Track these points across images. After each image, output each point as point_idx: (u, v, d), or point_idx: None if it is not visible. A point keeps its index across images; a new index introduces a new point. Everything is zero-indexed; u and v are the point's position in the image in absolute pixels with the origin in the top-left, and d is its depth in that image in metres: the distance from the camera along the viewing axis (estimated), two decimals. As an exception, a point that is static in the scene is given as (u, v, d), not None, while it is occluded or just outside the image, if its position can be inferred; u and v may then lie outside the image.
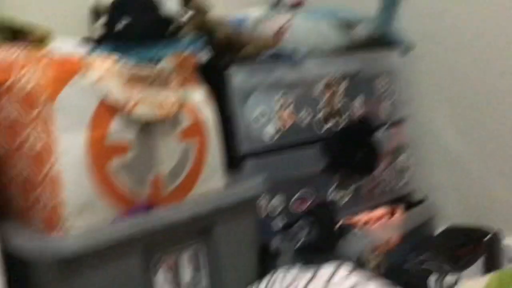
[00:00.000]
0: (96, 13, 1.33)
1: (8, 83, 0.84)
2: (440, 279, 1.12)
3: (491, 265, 1.21)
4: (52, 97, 0.81)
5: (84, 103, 0.83)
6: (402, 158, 1.44)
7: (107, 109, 0.85)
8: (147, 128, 0.90)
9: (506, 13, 1.28)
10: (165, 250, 0.92)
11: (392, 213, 1.31)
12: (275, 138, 1.16)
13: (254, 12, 1.43)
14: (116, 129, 0.86)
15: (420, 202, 1.44)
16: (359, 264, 1.13)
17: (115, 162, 0.85)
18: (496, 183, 1.36)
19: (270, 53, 1.20)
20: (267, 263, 1.06)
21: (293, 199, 1.19)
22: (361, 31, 1.37)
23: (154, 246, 0.89)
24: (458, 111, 1.41)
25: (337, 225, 1.16)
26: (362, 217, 1.26)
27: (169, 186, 0.93)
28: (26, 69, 0.85)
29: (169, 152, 0.93)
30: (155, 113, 0.88)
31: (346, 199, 1.29)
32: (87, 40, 1.20)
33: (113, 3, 1.19)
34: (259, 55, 1.20)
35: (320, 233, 1.12)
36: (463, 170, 1.42)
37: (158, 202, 0.91)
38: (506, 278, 1.00)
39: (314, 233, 1.13)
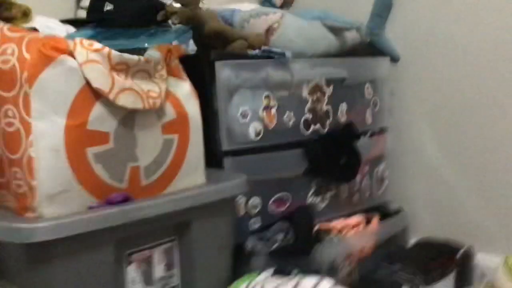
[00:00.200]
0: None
1: (-14, 59, 0.80)
2: (411, 291, 1.13)
3: (462, 281, 1.22)
4: (32, 78, 0.77)
5: (66, 87, 0.80)
6: (381, 167, 1.45)
7: (90, 95, 0.82)
8: (130, 118, 0.87)
9: (490, 29, 1.30)
10: (139, 244, 0.90)
11: (367, 222, 1.31)
12: (258, 137, 1.14)
13: (245, 7, 1.41)
14: (97, 116, 0.82)
15: (395, 212, 1.45)
16: (332, 271, 1.13)
17: (95, 150, 0.82)
18: (471, 199, 1.38)
19: (259, 51, 1.19)
20: (241, 263, 1.05)
21: (271, 201, 1.18)
22: (351, 37, 1.36)
23: (127, 239, 0.87)
24: (439, 124, 1.42)
25: (314, 230, 1.15)
26: (338, 223, 1.26)
27: (148, 178, 0.91)
28: (7, 45, 0.81)
29: (150, 144, 0.90)
30: (139, 103, 0.86)
31: (324, 204, 1.28)
32: (70, 21, 1.16)
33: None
34: (247, 52, 1.18)
35: (296, 237, 1.11)
36: (440, 183, 1.43)
37: (135, 194, 0.88)
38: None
39: (290, 236, 1.11)
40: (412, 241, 1.43)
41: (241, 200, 1.12)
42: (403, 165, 1.50)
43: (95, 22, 1.09)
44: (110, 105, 0.84)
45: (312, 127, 1.24)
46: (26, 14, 1.07)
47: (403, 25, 1.44)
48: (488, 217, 1.35)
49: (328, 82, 1.27)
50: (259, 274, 0.97)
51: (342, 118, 1.30)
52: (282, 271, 0.96)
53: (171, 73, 0.96)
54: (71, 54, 0.81)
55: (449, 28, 1.37)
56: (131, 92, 0.86)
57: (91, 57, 0.82)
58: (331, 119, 1.27)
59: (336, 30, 1.32)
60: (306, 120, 1.23)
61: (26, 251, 0.78)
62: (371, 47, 1.45)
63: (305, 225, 1.14)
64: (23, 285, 0.82)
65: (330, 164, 1.24)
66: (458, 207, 1.40)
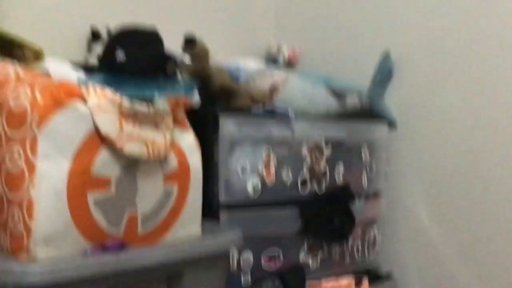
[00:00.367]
0: (94, 37, 1.33)
1: (-1, 98, 0.82)
2: None
3: None
4: (42, 121, 0.79)
5: (74, 131, 0.81)
6: (373, 231, 1.45)
7: (96, 141, 0.83)
8: (133, 165, 0.88)
9: (484, 100, 1.34)
10: (130, 293, 0.89)
11: (357, 284, 1.30)
12: (256, 193, 1.15)
13: (251, 64, 1.45)
14: (102, 162, 0.83)
15: (385, 277, 1.44)
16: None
17: (95, 195, 0.83)
18: (462, 270, 1.38)
19: (262, 108, 1.22)
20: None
21: (263, 257, 1.17)
22: (351, 101, 1.40)
23: (120, 287, 0.85)
24: (432, 193, 1.44)
25: (304, 290, 1.15)
26: (329, 283, 1.25)
27: (145, 227, 0.91)
28: (20, 87, 0.83)
29: (150, 192, 0.91)
30: (145, 152, 0.87)
31: (316, 263, 1.28)
32: (81, 65, 1.19)
33: (111, 35, 1.19)
34: (251, 108, 1.21)
35: (287, 296, 1.11)
36: (431, 252, 1.44)
37: (131, 242, 0.88)
38: None
39: (281, 295, 1.11)
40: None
41: (234, 254, 1.11)
42: (395, 230, 1.51)
43: (106, 68, 1.12)
44: (115, 151, 0.85)
45: (309, 186, 1.25)
46: (38, 55, 1.09)
47: (401, 94, 1.49)
48: (478, 289, 1.35)
49: (327, 142, 1.29)
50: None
51: (339, 179, 1.32)
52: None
53: (177, 124, 0.98)
54: (83, 99, 0.83)
55: (445, 99, 1.41)
56: (138, 141, 0.87)
57: (102, 104, 0.84)
58: (328, 179, 1.29)
59: (337, 93, 1.36)
60: (303, 179, 1.24)
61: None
62: (370, 112, 1.49)
63: (296, 284, 1.13)
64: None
65: (324, 224, 1.25)
66: (448, 276, 1.40)
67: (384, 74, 1.49)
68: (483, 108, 1.35)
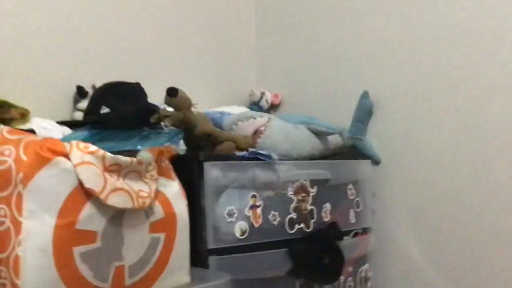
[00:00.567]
0: (80, 94, 1.37)
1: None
2: None
3: None
4: (27, 179, 0.80)
5: (58, 187, 0.82)
6: (365, 267, 1.45)
7: (81, 195, 0.84)
8: (118, 217, 0.89)
9: (464, 133, 1.37)
10: None
11: (352, 323, 1.30)
12: (244, 236, 1.16)
13: (234, 110, 1.49)
14: (87, 216, 0.84)
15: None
16: None
17: (81, 250, 0.83)
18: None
19: (246, 152, 1.24)
20: None
21: (255, 301, 1.17)
22: (334, 141, 1.43)
23: None
24: (420, 226, 1.46)
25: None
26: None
27: (132, 278, 0.91)
28: (5, 147, 0.85)
29: (137, 243, 0.91)
30: (130, 203, 0.88)
31: (308, 305, 1.27)
32: (67, 123, 1.22)
33: (96, 91, 1.23)
34: (235, 153, 1.24)
35: None
36: (422, 284, 1.43)
37: (118, 294, 0.88)
38: None
39: None
40: None
41: (225, 300, 1.11)
42: (387, 265, 1.51)
43: (91, 124, 1.15)
44: (100, 204, 0.86)
45: (296, 227, 1.26)
46: (24, 116, 1.12)
47: (383, 130, 1.53)
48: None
49: (313, 183, 1.31)
50: None
51: (326, 218, 1.33)
52: None
53: (161, 173, 0.99)
54: (67, 156, 0.84)
55: (424, 133, 1.45)
56: (122, 192, 0.88)
57: (85, 159, 0.86)
58: (315, 218, 1.30)
59: (320, 134, 1.39)
60: (291, 220, 1.25)
61: None
62: (353, 150, 1.52)
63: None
64: None
65: (314, 264, 1.25)
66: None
67: (364, 112, 1.53)
68: (461, 140, 1.38)
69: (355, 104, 1.55)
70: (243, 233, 1.16)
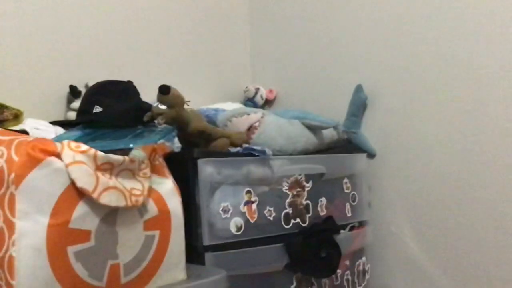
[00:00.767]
0: (73, 94, 1.37)
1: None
2: None
3: None
4: (19, 179, 0.80)
5: (51, 187, 0.83)
6: (362, 260, 1.46)
7: (74, 195, 0.84)
8: (112, 215, 0.89)
9: (458, 126, 1.38)
10: None
11: (350, 317, 1.30)
12: (239, 232, 1.16)
13: (228, 107, 1.49)
14: (80, 215, 0.85)
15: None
16: None
17: (75, 249, 0.84)
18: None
19: (240, 148, 1.24)
20: None
21: (252, 297, 1.18)
22: (329, 135, 1.43)
23: None
24: (416, 217, 1.46)
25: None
26: (321, 319, 1.25)
27: (128, 276, 0.91)
28: (-3, 147, 0.86)
29: (131, 241, 0.92)
30: (123, 201, 0.89)
31: (306, 299, 1.28)
32: (59, 123, 1.22)
33: (88, 90, 1.23)
34: (229, 149, 1.24)
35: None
36: (421, 278, 1.44)
37: (114, 293, 0.89)
38: None
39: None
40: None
41: (222, 296, 1.11)
42: (384, 258, 1.51)
43: (84, 123, 1.15)
44: (93, 203, 0.86)
45: (292, 222, 1.26)
46: (17, 117, 1.13)
47: (377, 123, 1.53)
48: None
49: (308, 177, 1.31)
50: None
51: (322, 212, 1.33)
52: None
53: (155, 171, 1.00)
54: (58, 155, 0.84)
55: (419, 126, 1.45)
56: (115, 191, 0.89)
57: (77, 158, 0.86)
58: (311, 213, 1.31)
59: (314, 128, 1.39)
60: (286, 215, 1.26)
61: None
62: (348, 144, 1.52)
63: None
64: None
65: (311, 258, 1.25)
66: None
67: (358, 105, 1.53)
68: (456, 132, 1.38)
69: (350, 98, 1.55)
70: (238, 229, 1.17)
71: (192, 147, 1.21)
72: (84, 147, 0.88)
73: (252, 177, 1.20)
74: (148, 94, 1.26)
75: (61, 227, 0.83)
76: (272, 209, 1.23)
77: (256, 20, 1.89)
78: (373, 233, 1.50)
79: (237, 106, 1.60)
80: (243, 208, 1.18)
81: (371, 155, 1.53)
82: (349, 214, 1.42)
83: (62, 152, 0.85)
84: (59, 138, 1.02)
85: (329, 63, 1.66)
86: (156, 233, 0.96)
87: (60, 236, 0.82)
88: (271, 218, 1.23)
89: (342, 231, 1.37)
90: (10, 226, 0.80)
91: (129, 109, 1.16)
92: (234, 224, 1.16)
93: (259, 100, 1.76)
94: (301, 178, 1.30)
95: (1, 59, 1.27)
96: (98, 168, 0.88)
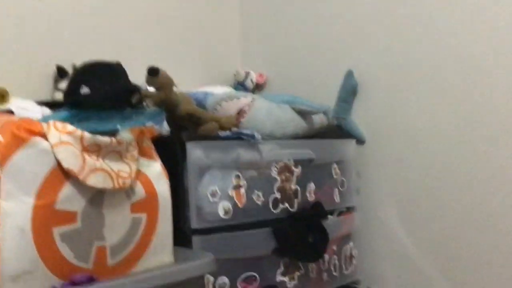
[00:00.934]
0: (60, 74, 1.35)
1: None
2: None
3: None
4: (4, 159, 0.79)
5: (36, 168, 0.82)
6: (349, 246, 1.47)
7: (60, 176, 0.84)
8: (99, 197, 0.88)
9: (447, 114, 1.38)
10: (102, 326, 0.88)
11: (336, 301, 1.31)
12: (227, 216, 1.16)
13: (218, 90, 1.48)
14: (66, 196, 0.84)
15: (364, 291, 1.45)
16: None
17: (61, 230, 0.83)
18: (439, 281, 1.39)
19: (229, 132, 1.23)
20: None
21: (239, 280, 1.18)
22: (318, 120, 1.43)
23: (90, 321, 0.85)
24: (404, 204, 1.47)
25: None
26: (307, 303, 1.25)
27: (114, 258, 0.91)
28: (-19, 127, 0.84)
29: (118, 223, 0.91)
30: (109, 183, 0.88)
31: (293, 283, 1.28)
32: (46, 103, 1.20)
33: (75, 70, 1.21)
34: (218, 133, 1.23)
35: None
36: (407, 263, 1.45)
37: (100, 274, 0.88)
38: None
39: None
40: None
41: (209, 279, 1.12)
42: (371, 244, 1.52)
43: (70, 104, 1.13)
44: (79, 185, 0.85)
45: (280, 206, 1.26)
46: (3, 97, 1.11)
47: (367, 109, 1.53)
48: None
49: (297, 162, 1.31)
50: None
51: (310, 197, 1.33)
52: None
53: (142, 153, 0.99)
54: (44, 136, 0.83)
55: (409, 112, 1.45)
56: (101, 172, 0.88)
57: (63, 139, 0.85)
58: (299, 198, 1.31)
59: (304, 113, 1.39)
60: (275, 199, 1.26)
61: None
62: (338, 130, 1.52)
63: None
64: None
65: (298, 243, 1.26)
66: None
67: (348, 91, 1.53)
68: (445, 120, 1.39)
69: (340, 84, 1.54)
70: (226, 213, 1.16)
71: (181, 130, 1.20)
72: (70, 127, 0.86)
73: (241, 161, 1.20)
74: (137, 76, 1.24)
75: (47, 208, 0.82)
76: (260, 193, 1.23)
77: (246, 4, 1.87)
78: (360, 219, 1.51)
79: (227, 90, 1.59)
80: (232, 192, 1.18)
81: (360, 141, 1.53)
82: (337, 200, 1.42)
83: (48, 132, 0.84)
84: (45, 119, 1.00)
85: (320, 48, 1.65)
86: (143, 215, 0.95)
87: (45, 217, 0.82)
88: (259, 203, 1.22)
89: (330, 216, 1.38)
90: (-6, 206, 0.79)
91: (117, 91, 1.14)
92: (222, 208, 1.16)
93: (249, 84, 1.75)
94: (290, 163, 1.30)
95: (-14, 38, 1.25)
96: (85, 149, 0.87)
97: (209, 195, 1.14)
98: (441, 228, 1.39)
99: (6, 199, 0.80)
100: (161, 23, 1.64)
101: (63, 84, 1.29)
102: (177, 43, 1.69)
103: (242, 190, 1.20)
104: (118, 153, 0.93)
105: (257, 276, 1.20)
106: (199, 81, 1.71)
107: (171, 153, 1.12)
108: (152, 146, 1.03)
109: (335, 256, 1.41)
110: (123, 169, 0.92)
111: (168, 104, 1.18)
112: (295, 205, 1.29)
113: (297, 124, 1.37)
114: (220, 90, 1.52)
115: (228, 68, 1.81)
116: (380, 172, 1.51)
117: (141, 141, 0.99)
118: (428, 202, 1.42)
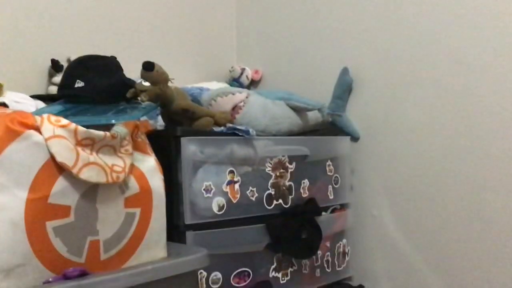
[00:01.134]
0: (55, 68, 1.34)
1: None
2: None
3: None
4: (-3, 152, 0.79)
5: (29, 161, 0.81)
6: (343, 243, 1.47)
7: (53, 169, 0.83)
8: (92, 191, 0.88)
9: (442, 111, 1.38)
10: (94, 321, 0.88)
11: (329, 297, 1.31)
12: (221, 212, 1.16)
13: (213, 86, 1.48)
14: (59, 190, 0.83)
15: (357, 288, 1.46)
16: None
17: (54, 224, 0.83)
18: (432, 278, 1.40)
19: (224, 128, 1.23)
20: None
21: (232, 276, 1.18)
22: (313, 117, 1.43)
23: (82, 316, 0.85)
24: (398, 201, 1.47)
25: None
26: (300, 299, 1.26)
27: (107, 252, 0.91)
28: (-26, 120, 0.83)
29: (112, 217, 0.91)
30: (103, 177, 0.87)
31: (286, 279, 1.29)
32: (40, 97, 1.20)
33: (70, 64, 1.21)
34: (212, 128, 1.23)
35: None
36: (401, 260, 1.46)
37: (94, 269, 0.88)
38: None
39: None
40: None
41: (202, 275, 1.12)
42: (364, 241, 1.53)
43: (65, 98, 1.13)
44: (73, 179, 0.85)
45: (274, 202, 1.27)
46: (-2, 88, 1.10)
47: (362, 106, 1.53)
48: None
49: (291, 159, 1.31)
50: None
51: (304, 194, 1.34)
52: None
53: (137, 148, 0.98)
54: (38, 129, 0.83)
55: (404, 110, 1.45)
56: (95, 167, 0.87)
57: (57, 133, 0.84)
58: (293, 194, 1.31)
59: (299, 110, 1.39)
60: (269, 195, 1.26)
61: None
62: (332, 126, 1.52)
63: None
64: None
65: (292, 239, 1.26)
66: (418, 285, 1.42)
67: (343, 88, 1.53)
68: (439, 117, 1.39)
69: (335, 81, 1.55)
70: (220, 208, 1.16)
71: (176, 125, 1.20)
72: (64, 121, 0.86)
73: (236, 156, 1.20)
74: (132, 71, 1.24)
75: (40, 202, 0.81)
76: (254, 189, 1.23)
77: (242, 0, 1.87)
78: (354, 216, 1.52)
79: (222, 85, 1.59)
80: (226, 188, 1.18)
81: (355, 138, 1.53)
82: (331, 197, 1.42)
83: (42, 125, 0.83)
84: (39, 112, 1.00)
85: (316, 45, 1.65)
86: (137, 210, 0.95)
87: (38, 211, 0.81)
88: (253, 199, 1.23)
89: (323, 213, 1.38)
90: (-13, 199, 0.79)
91: (111, 85, 1.14)
92: (216, 203, 1.16)
93: (244, 80, 1.75)
94: (284, 159, 1.30)
95: (-20, 30, 1.24)
96: (79, 143, 0.87)
97: (203, 191, 1.14)
98: (434, 225, 1.40)
99: (1, 191, 0.79)
100: (157, 19, 1.64)
101: (58, 78, 1.29)
102: (173, 39, 1.68)
103: (236, 186, 1.20)
104: (112, 147, 0.92)
105: (250, 271, 1.21)
106: (194, 76, 1.71)
107: (165, 148, 1.12)
108: (147, 141, 1.03)
109: (328, 253, 1.41)
110: (117, 164, 0.91)
111: (163, 99, 1.17)
112: (289, 202, 1.30)
113: (292, 120, 1.37)
114: (215, 85, 1.52)
115: (224, 64, 1.81)
116: (374, 169, 1.51)
117: (135, 136, 0.99)
118: (421, 199, 1.42)
